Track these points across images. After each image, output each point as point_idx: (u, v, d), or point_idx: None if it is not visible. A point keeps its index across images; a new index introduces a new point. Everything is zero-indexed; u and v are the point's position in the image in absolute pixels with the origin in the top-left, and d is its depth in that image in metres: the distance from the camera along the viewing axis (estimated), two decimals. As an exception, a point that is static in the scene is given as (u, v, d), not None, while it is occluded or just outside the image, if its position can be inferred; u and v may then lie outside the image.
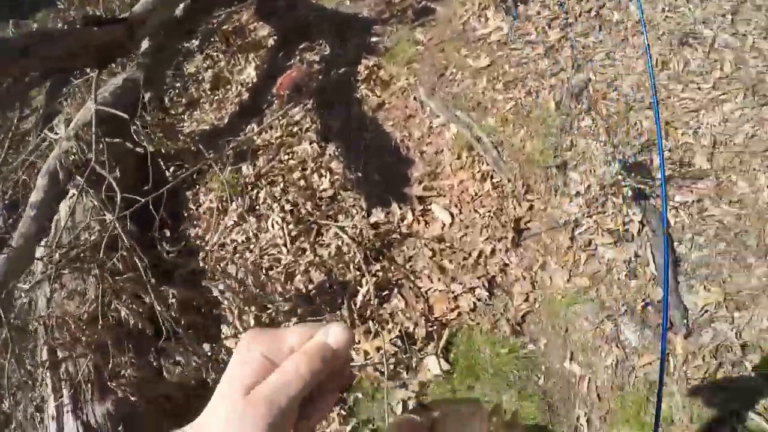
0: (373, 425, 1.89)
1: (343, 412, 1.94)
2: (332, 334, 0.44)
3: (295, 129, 2.82)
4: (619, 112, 2.31)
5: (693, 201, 2.09)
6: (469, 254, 2.09)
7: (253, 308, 2.21)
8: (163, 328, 1.86)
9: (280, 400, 0.40)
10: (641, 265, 2.00)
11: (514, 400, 1.82)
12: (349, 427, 1.90)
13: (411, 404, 1.88)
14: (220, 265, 2.43)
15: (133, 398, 1.86)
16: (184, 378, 1.96)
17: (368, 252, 2.23)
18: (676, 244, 2.03)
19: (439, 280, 2.06)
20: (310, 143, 2.77)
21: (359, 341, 2.03)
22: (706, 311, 1.86)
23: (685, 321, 1.88)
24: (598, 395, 1.82)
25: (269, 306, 2.22)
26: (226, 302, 2.28)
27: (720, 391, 1.74)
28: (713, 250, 1.97)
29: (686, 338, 1.85)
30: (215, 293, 2.16)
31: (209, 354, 2.12)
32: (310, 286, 2.29)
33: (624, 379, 1.84)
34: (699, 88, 2.31)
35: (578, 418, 1.79)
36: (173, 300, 2.10)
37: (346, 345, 0.44)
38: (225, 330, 2.25)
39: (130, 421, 1.88)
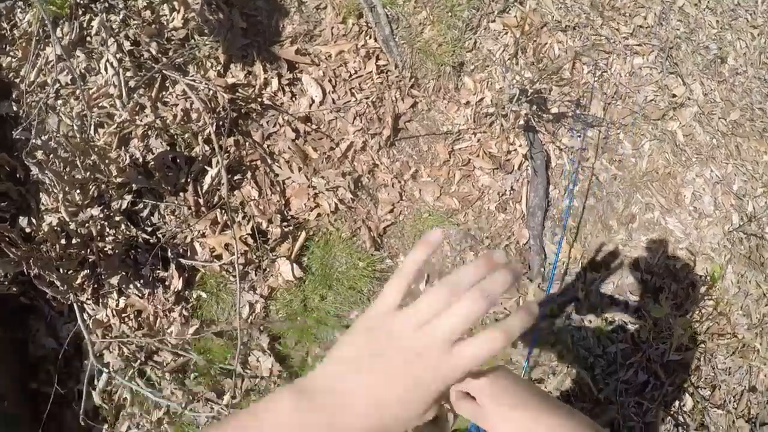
0: (217, 327, 1.74)
1: (186, 312, 1.75)
2: None
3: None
4: (532, 24, 1.99)
5: (578, 149, 1.99)
6: (337, 144, 1.82)
7: (79, 179, 1.74)
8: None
9: None
10: (513, 201, 1.94)
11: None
12: (191, 330, 1.73)
13: (258, 308, 1.74)
14: (38, 115, 1.84)
15: None
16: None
17: (222, 122, 1.82)
18: (551, 188, 1.97)
19: (300, 170, 1.79)
20: (158, -40, 2.01)
21: (205, 234, 1.75)
22: (563, 263, 1.89)
23: (542, 269, 1.90)
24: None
25: (99, 177, 1.78)
26: (47, 180, 1.77)
27: (558, 342, 1.85)
28: (582, 203, 1.95)
29: (539, 286, 1.89)
30: (34, 172, 1.64)
31: (28, 232, 1.68)
32: (149, 157, 1.87)
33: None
34: (618, 30, 2.08)
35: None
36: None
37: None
38: (45, 200, 1.80)
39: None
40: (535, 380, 1.81)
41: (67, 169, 1.73)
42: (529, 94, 1.87)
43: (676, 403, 1.88)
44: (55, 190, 1.73)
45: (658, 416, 1.85)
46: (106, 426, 1.78)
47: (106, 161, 1.74)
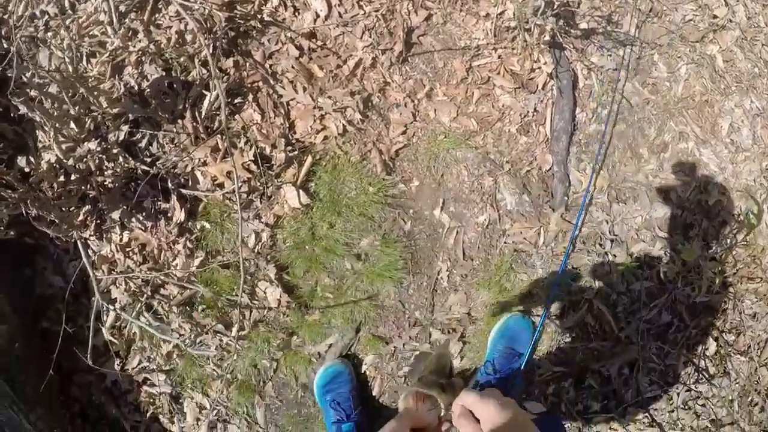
0: (223, 257, 1.67)
1: (190, 244, 1.67)
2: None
3: None
4: None
5: (609, 68, 1.82)
6: (345, 61, 1.68)
7: (72, 114, 1.65)
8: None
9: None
10: (536, 123, 1.79)
11: (377, 244, 1.67)
12: (197, 261, 1.66)
13: (264, 237, 1.66)
14: (29, 50, 1.74)
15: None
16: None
17: (219, 43, 1.69)
18: (578, 110, 1.81)
19: (305, 90, 1.66)
20: None
21: (206, 162, 1.65)
22: (588, 192, 1.75)
23: (566, 198, 1.76)
24: (464, 252, 1.74)
25: (92, 109, 1.69)
26: (36, 118, 1.67)
27: (580, 277, 1.74)
28: (611, 129, 1.79)
29: (562, 216, 1.75)
30: (23, 110, 1.54)
31: (27, 171, 1.61)
32: (144, 84, 1.76)
33: (493, 241, 1.75)
34: None
35: (439, 272, 1.73)
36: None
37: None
38: (42, 137, 1.72)
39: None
40: (554, 315, 1.71)
41: (56, 105, 1.63)
42: (555, 7, 1.69)
43: (699, 347, 1.79)
44: (46, 128, 1.65)
45: (679, 359, 1.76)
46: (117, 361, 1.76)
47: (95, 93, 1.63)
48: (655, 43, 1.83)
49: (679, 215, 1.76)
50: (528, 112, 1.77)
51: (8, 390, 1.59)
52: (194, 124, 1.67)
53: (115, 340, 1.75)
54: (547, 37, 1.75)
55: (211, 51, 1.72)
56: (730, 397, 1.80)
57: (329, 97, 1.66)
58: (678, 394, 1.79)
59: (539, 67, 1.78)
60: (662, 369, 1.76)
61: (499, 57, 1.76)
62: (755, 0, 1.88)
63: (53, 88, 1.62)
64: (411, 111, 1.70)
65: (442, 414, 0.83)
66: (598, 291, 1.73)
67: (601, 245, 1.75)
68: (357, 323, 1.70)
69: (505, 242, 1.73)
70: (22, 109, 1.52)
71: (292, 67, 1.68)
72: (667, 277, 1.74)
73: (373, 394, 1.72)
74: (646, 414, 1.76)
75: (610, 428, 1.74)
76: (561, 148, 1.77)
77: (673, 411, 1.79)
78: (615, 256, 1.74)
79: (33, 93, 1.66)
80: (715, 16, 1.85)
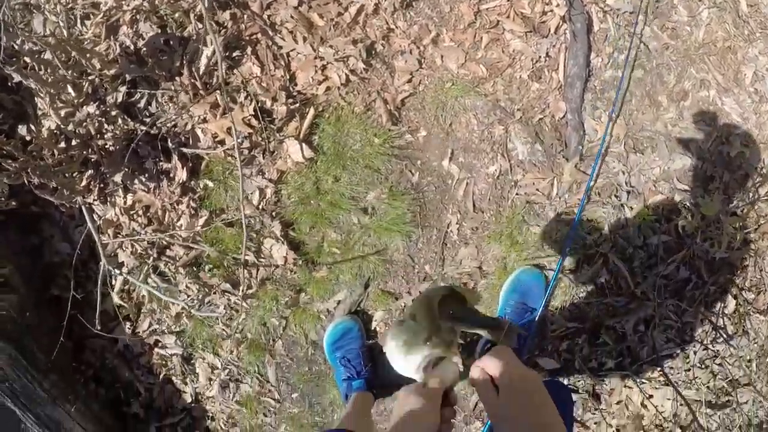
0: (228, 215, 1.64)
1: (193, 204, 1.65)
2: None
3: None
4: None
5: (626, 11, 1.71)
6: (346, 8, 1.61)
7: (69, 79, 1.61)
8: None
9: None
10: (549, 69, 1.69)
11: (384, 197, 1.62)
12: (201, 221, 1.64)
13: (269, 193, 1.62)
14: (23, 17, 1.70)
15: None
16: None
17: (214, -5, 1.63)
18: (593, 55, 1.71)
19: (305, 40, 1.59)
20: None
21: (206, 119, 1.61)
22: (604, 142, 1.67)
23: (581, 147, 1.68)
24: (474, 204, 1.68)
25: (90, 72, 1.65)
26: (32, 85, 1.63)
27: (595, 230, 1.67)
28: (628, 75, 1.69)
29: (576, 166, 1.68)
30: (17, 78, 1.50)
31: (28, 140, 1.59)
32: (140, 43, 1.72)
33: (504, 192, 1.68)
34: None
35: (449, 225, 1.67)
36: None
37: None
38: (41, 104, 1.69)
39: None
40: (567, 270, 1.66)
41: (50, 71, 1.59)
42: None
43: (718, 305, 1.72)
44: (41, 95, 1.61)
45: (696, 317, 1.70)
46: (128, 324, 1.76)
47: (88, 55, 1.59)
48: None
49: (700, 167, 1.68)
50: (540, 57, 1.68)
51: (21, 359, 1.60)
52: (192, 80, 1.62)
53: (125, 304, 1.75)
54: None
55: (206, 4, 1.66)
56: (748, 357, 1.74)
57: (331, 47, 1.60)
58: (695, 352, 1.73)
59: (551, 10, 1.68)
60: (679, 326, 1.71)
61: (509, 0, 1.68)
62: (782, -60, 1.74)
63: (47, 55, 1.59)
64: (416, 58, 1.63)
65: (461, 368, 0.79)
66: (613, 245, 1.67)
67: (617, 197, 1.69)
68: (365, 279, 1.66)
69: (516, 193, 1.67)
70: (17, 78, 1.49)
71: (291, 17, 1.61)
72: (685, 232, 1.67)
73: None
74: (662, 372, 1.71)
75: (625, 386, 1.70)
76: (575, 95, 1.69)
77: (689, 369, 1.74)
78: (632, 208, 1.67)
79: (27, 60, 1.62)
80: (740, -45, 1.72)
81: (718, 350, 1.75)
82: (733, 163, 1.69)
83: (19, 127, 1.72)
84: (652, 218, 1.67)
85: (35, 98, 1.75)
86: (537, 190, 1.67)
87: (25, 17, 1.76)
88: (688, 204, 1.67)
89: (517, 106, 1.67)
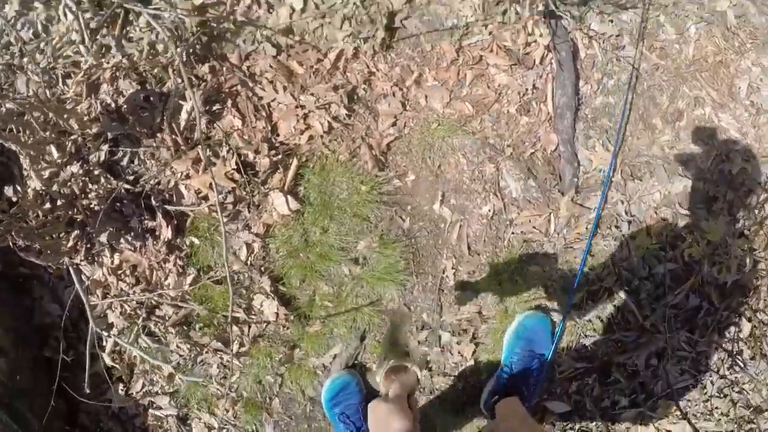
0: (215, 273, 1.59)
1: (180, 262, 1.60)
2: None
3: None
4: None
5: (611, 35, 1.67)
6: (325, 55, 1.57)
7: (51, 139, 1.59)
8: None
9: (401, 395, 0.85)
10: (537, 101, 1.66)
11: (375, 246, 1.57)
12: (189, 279, 1.59)
13: (256, 248, 1.58)
14: (7, 78, 1.70)
15: None
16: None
17: (192, 49, 1.61)
18: (581, 83, 1.67)
19: (285, 89, 1.56)
20: None
21: (189, 174, 1.58)
22: (601, 172, 1.63)
23: (576, 179, 1.64)
24: (469, 247, 1.63)
25: (71, 132, 1.63)
26: (12, 147, 1.62)
27: (597, 265, 1.62)
28: (620, 100, 1.64)
29: (573, 200, 1.63)
30: None
31: (15, 201, 1.56)
32: (120, 100, 1.70)
33: (500, 233, 1.63)
34: None
35: (444, 270, 1.62)
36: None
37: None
38: (27, 166, 1.67)
39: None
40: (571, 307, 1.59)
41: (27, 133, 1.58)
42: None
43: (732, 330, 1.66)
44: (22, 156, 1.60)
45: (711, 345, 1.63)
46: (121, 385, 1.71)
47: (65, 116, 1.57)
48: (660, 3, 1.68)
49: (701, 188, 1.62)
50: (527, 89, 1.64)
51: (12, 423, 1.56)
52: (173, 136, 1.59)
53: (117, 365, 1.70)
54: (540, 7, 1.62)
55: (183, 59, 1.64)
56: (768, 381, 1.67)
57: (311, 94, 1.56)
58: (712, 382, 1.66)
59: (535, 41, 1.64)
60: (693, 357, 1.64)
61: (491, 33, 1.63)
62: (762, -54, 1.70)
63: (26, 117, 1.57)
64: (400, 100, 1.59)
65: (419, 376, 0.95)
66: (618, 278, 1.61)
67: (617, 227, 1.63)
68: (361, 331, 1.60)
69: (513, 233, 1.61)
70: None
71: (271, 67, 1.58)
72: (692, 258, 1.61)
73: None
74: (678, 406, 1.63)
75: (641, 423, 1.62)
76: (566, 125, 1.64)
77: (707, 400, 1.66)
78: (634, 238, 1.61)
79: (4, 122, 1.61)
80: (723, -31, 1.68)
81: (736, 377, 1.68)
82: (735, 181, 1.64)
83: (6, 188, 1.70)
84: (656, 247, 1.61)
85: (21, 159, 1.73)
86: (534, 227, 1.61)
87: (9, 78, 1.75)
88: (692, 228, 1.61)
89: (507, 142, 1.62)
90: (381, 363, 0.95)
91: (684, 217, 1.61)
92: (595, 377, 1.62)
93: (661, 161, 1.63)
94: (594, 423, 1.63)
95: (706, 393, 1.67)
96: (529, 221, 1.62)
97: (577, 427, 1.64)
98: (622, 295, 1.60)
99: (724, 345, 1.65)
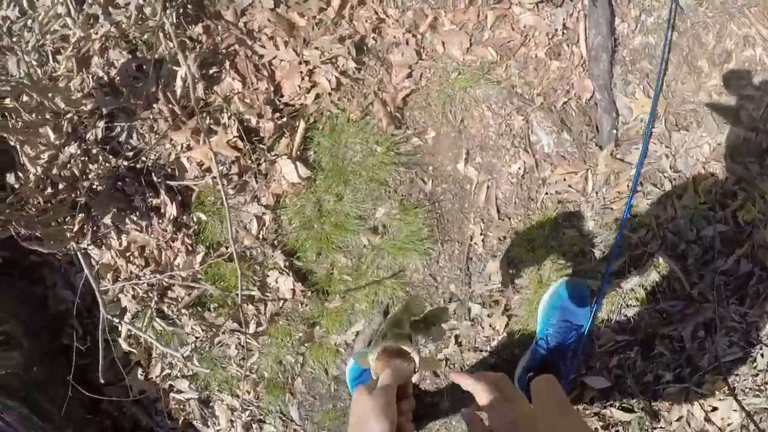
0: (226, 247, 1.49)
1: (188, 240, 1.52)
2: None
3: None
4: None
5: None
6: (328, 3, 1.42)
7: (48, 120, 1.51)
8: None
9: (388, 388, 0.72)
10: (569, 43, 1.47)
11: (395, 213, 1.43)
12: (198, 258, 1.50)
13: (267, 220, 1.46)
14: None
15: None
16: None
17: (182, 9, 1.47)
18: (617, 21, 1.48)
19: (287, 45, 1.42)
20: None
21: (189, 146, 1.47)
22: (642, 122, 1.44)
23: (615, 131, 1.47)
24: (498, 210, 1.48)
25: (66, 112, 1.54)
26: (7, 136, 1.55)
27: (640, 227, 1.46)
28: (661, 39, 1.45)
29: (612, 154, 1.46)
30: None
31: (17, 187, 1.49)
32: (112, 72, 1.59)
33: (531, 193, 1.47)
34: None
35: (472, 237, 1.48)
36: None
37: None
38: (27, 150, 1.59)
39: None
40: (611, 275, 1.45)
41: (14, 118, 1.49)
42: None
43: None
44: (11, 142, 1.51)
45: (762, 316, 1.48)
46: (140, 370, 1.66)
47: (49, 94, 1.46)
48: None
49: (754, 138, 1.44)
50: (556, 30, 1.45)
51: (32, 416, 1.53)
52: (170, 105, 1.47)
53: (134, 350, 1.64)
54: None
55: (174, 21, 1.50)
56: (824, 353, 1.51)
57: (316, 48, 1.41)
58: (762, 355, 1.51)
59: (564, -26, 1.46)
60: (743, 328, 1.48)
61: (513, -34, 1.45)
62: None
63: (8, 101, 1.48)
64: (414, 48, 1.43)
65: (417, 367, 0.79)
66: (662, 241, 1.45)
67: (662, 185, 1.46)
68: (384, 305, 1.49)
69: (546, 193, 1.46)
70: None
71: (269, 21, 1.43)
72: (744, 219, 1.44)
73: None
74: (726, 381, 1.50)
75: (686, 399, 1.49)
76: (602, 69, 1.46)
77: (756, 375, 1.52)
78: (680, 197, 1.44)
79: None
80: None
81: (789, 350, 1.52)
82: None
83: (7, 175, 1.64)
84: (705, 206, 1.45)
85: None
86: (569, 186, 1.46)
87: (1, 60, 1.66)
88: (744, 186, 1.44)
89: (537, 91, 1.46)
90: (377, 342, 0.82)
91: (735, 172, 1.44)
92: (637, 350, 1.49)
93: (709, 109, 1.45)
94: (635, 399, 1.51)
95: (755, 367, 1.53)
96: (564, 179, 1.46)
97: (617, 404, 1.52)
98: (667, 260, 1.45)
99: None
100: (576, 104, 1.48)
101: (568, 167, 1.46)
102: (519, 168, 1.47)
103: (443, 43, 1.45)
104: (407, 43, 1.44)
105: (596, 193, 1.46)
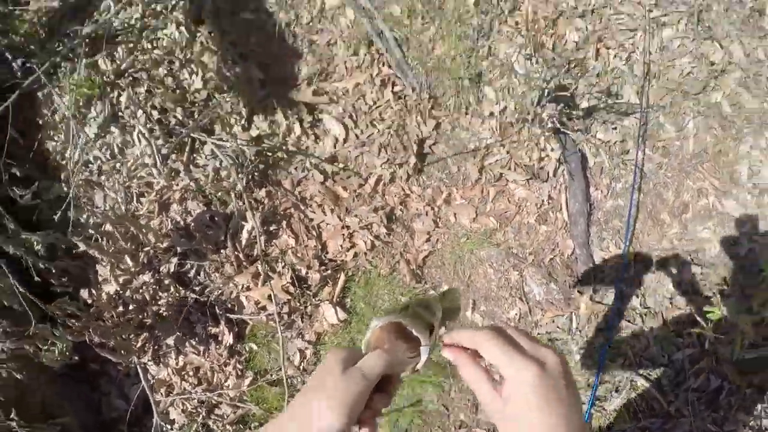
0: (271, 376, 1.77)
1: (239, 365, 1.78)
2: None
3: (159, 7, 2.13)
4: (546, 17, 1.90)
5: (616, 141, 1.87)
6: (366, 180, 1.82)
7: (127, 250, 1.84)
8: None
9: (370, 375, 0.58)
10: (553, 210, 1.86)
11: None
12: (247, 381, 1.77)
13: (309, 354, 1.76)
14: (86, 192, 1.97)
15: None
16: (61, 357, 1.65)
17: (251, 176, 1.87)
18: (592, 189, 1.87)
19: (333, 211, 1.80)
20: (178, 27, 2.11)
21: (249, 287, 1.79)
22: (615, 268, 1.77)
23: (593, 279, 1.79)
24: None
25: (145, 244, 1.87)
26: (95, 254, 1.87)
27: (618, 356, 1.75)
28: (629, 201, 1.82)
29: (591, 299, 1.79)
30: (83, 248, 1.74)
31: (89, 303, 1.79)
32: (188, 219, 1.94)
33: (526, 334, 1.79)
34: (639, 3, 1.90)
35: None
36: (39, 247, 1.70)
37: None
38: (101, 271, 1.90)
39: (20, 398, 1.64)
40: (597, 399, 1.71)
41: (110, 243, 1.83)
42: (547, 94, 1.75)
43: (758, 405, 1.72)
44: (104, 263, 1.83)
45: (737, 423, 1.70)
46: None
47: (143, 230, 1.82)
48: (658, 105, 1.86)
49: (711, 273, 1.74)
50: (543, 200, 1.84)
51: None
52: (236, 253, 1.82)
53: (180, 460, 1.84)
54: (550, 125, 1.82)
55: (244, 184, 1.91)
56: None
57: (355, 216, 1.80)
58: None
59: (547, 155, 1.86)
60: (722, 436, 1.71)
61: (508, 152, 1.86)
62: (750, 35, 1.86)
63: (108, 227, 1.82)
64: (432, 218, 1.82)
65: (419, 366, 0.63)
66: (639, 368, 1.73)
67: (635, 320, 1.76)
68: (403, 430, 1.74)
69: (538, 333, 1.77)
70: (82, 247, 1.71)
71: (319, 191, 1.83)
72: (706, 339, 1.70)
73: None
74: None
75: None
76: (580, 230, 1.83)
77: None
78: (651, 328, 1.74)
79: (91, 231, 1.86)
80: (712, 63, 1.85)
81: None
82: (744, 263, 1.74)
83: (81, 291, 1.92)
84: (673, 334, 1.72)
85: (96, 265, 1.97)
86: (557, 327, 1.77)
87: (87, 192, 2.02)
88: (705, 312, 1.69)
89: (529, 250, 1.82)
90: (388, 315, 0.64)
91: (696, 302, 1.72)
92: (624, 468, 1.70)
93: (672, 253, 1.77)
94: None
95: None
96: (553, 321, 1.78)
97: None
98: (644, 383, 1.71)
99: (748, 423, 1.71)
100: (560, 259, 1.83)
101: (556, 311, 1.79)
102: (516, 314, 1.79)
103: (455, 214, 1.84)
104: (427, 214, 1.82)
105: (580, 331, 1.77)
